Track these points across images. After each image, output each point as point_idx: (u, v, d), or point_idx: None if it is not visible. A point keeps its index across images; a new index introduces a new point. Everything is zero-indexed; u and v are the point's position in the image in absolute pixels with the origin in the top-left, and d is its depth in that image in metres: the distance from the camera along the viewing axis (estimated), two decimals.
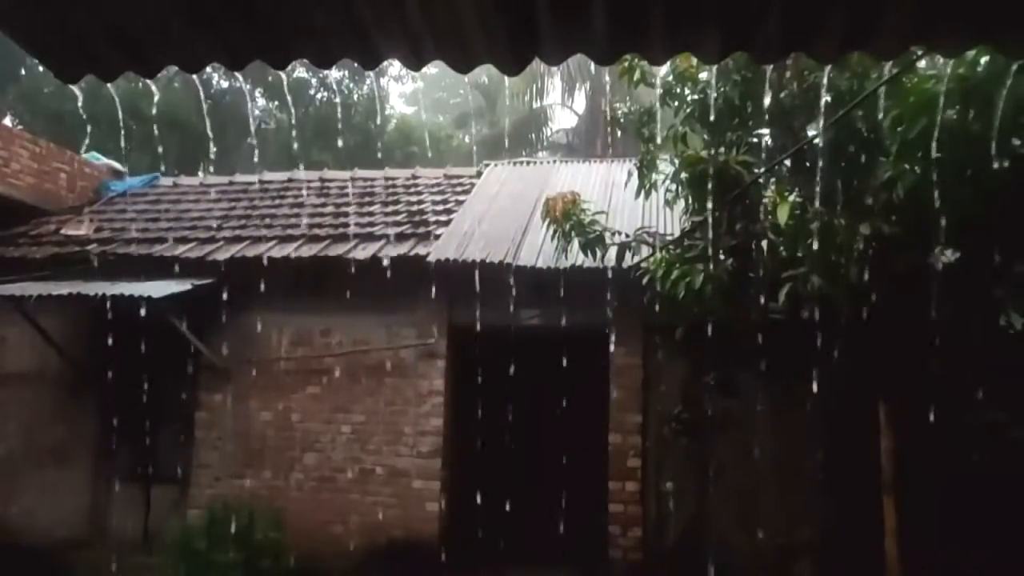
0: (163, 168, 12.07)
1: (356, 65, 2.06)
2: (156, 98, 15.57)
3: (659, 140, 5.79)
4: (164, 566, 6.65)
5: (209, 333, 7.56)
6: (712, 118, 5.20)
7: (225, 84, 20.26)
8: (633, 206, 7.06)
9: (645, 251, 5.81)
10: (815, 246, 4.45)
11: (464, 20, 1.84)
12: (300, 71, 19.64)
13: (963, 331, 4.45)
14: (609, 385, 7.14)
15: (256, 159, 18.13)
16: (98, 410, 7.87)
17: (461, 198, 8.84)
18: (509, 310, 7.03)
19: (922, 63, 4.21)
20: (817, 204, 4.63)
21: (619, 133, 6.35)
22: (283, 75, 16.77)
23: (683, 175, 5.33)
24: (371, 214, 8.58)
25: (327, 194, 9.50)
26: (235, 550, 6.50)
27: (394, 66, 20.42)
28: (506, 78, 2.31)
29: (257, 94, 20.76)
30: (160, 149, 15.92)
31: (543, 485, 7.97)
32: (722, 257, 5.18)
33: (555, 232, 5.80)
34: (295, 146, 18.82)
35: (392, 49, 1.98)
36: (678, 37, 1.93)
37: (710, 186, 4.99)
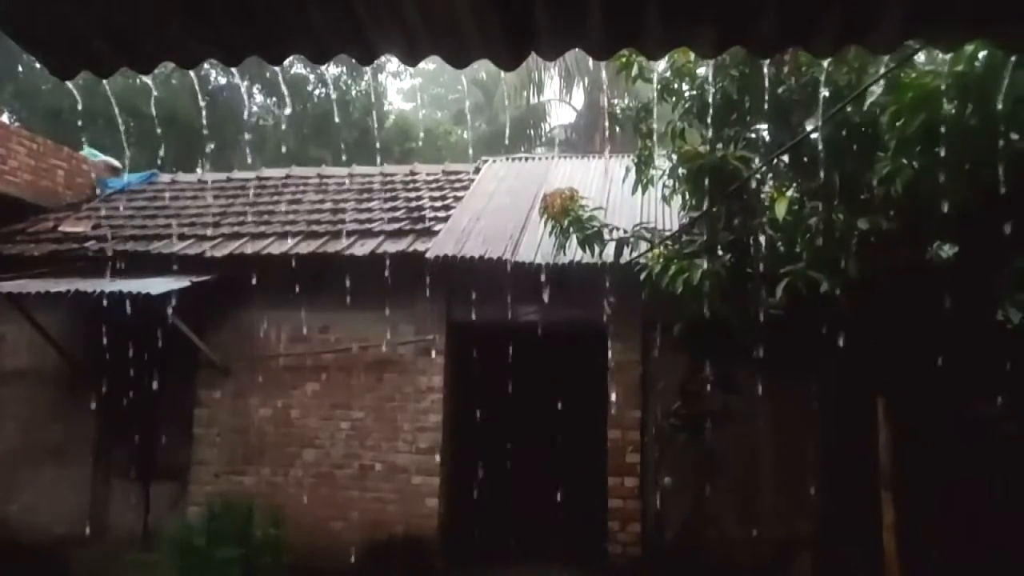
0: (161, 165, 12.03)
1: (353, 61, 2.06)
2: (153, 95, 15.54)
3: (657, 136, 5.78)
4: (164, 563, 6.64)
5: (208, 330, 7.56)
6: (710, 113, 5.20)
7: (223, 80, 20.21)
8: (631, 202, 7.06)
9: (643, 247, 5.81)
10: (813, 241, 4.46)
11: (459, 15, 1.84)
12: (298, 67, 19.59)
13: (961, 326, 4.45)
14: (608, 381, 7.15)
15: (254, 155, 18.13)
16: (97, 407, 7.86)
17: (459, 194, 8.83)
18: (508, 306, 7.03)
19: (920, 58, 4.21)
20: (815, 199, 4.64)
21: (617, 129, 6.33)
22: (280, 71, 16.74)
23: (681, 170, 5.34)
24: (369, 210, 8.57)
25: (325, 190, 9.48)
26: (234, 547, 6.49)
27: (392, 62, 20.40)
28: (504, 74, 2.30)
29: (255, 90, 20.73)
30: (158, 146, 15.88)
31: (542, 481, 7.98)
32: (720, 252, 5.19)
33: (553, 228, 5.80)
34: (293, 142, 18.79)
35: (388, 45, 1.98)
36: (675, 31, 1.92)
37: (708, 181, 5.00)
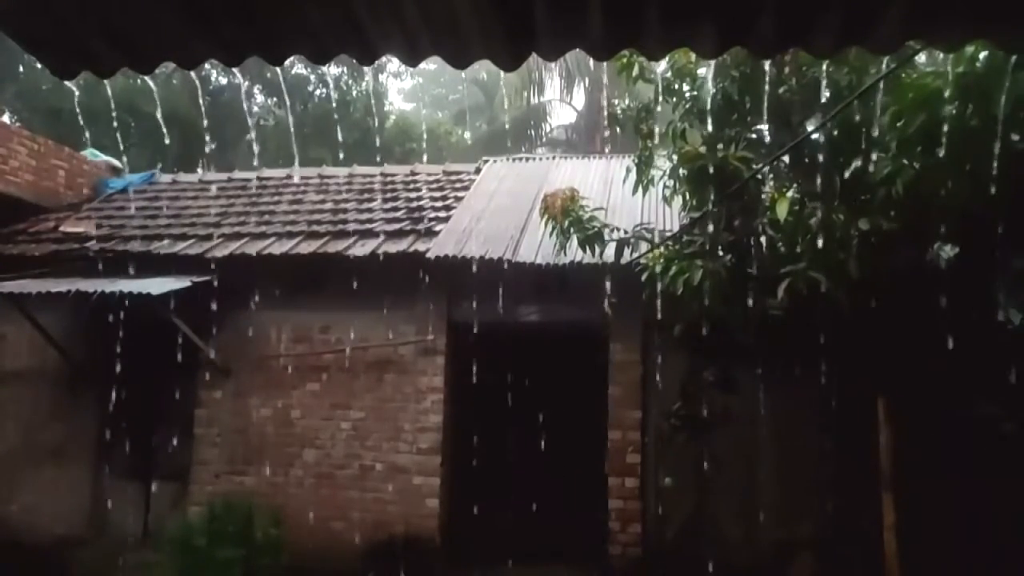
0: (162, 165, 12.03)
1: (354, 61, 2.06)
2: (155, 95, 15.55)
3: (658, 136, 5.78)
4: (164, 563, 6.65)
5: (208, 330, 7.56)
6: (710, 114, 5.20)
7: (224, 81, 20.23)
8: (632, 202, 7.06)
9: (644, 247, 5.80)
10: (814, 242, 4.46)
11: (460, 15, 1.84)
12: (298, 67, 19.59)
13: (961, 326, 4.45)
14: (608, 381, 7.15)
15: (255, 155, 18.10)
16: (97, 408, 7.86)
17: (460, 194, 8.83)
18: (508, 306, 7.03)
19: (921, 58, 4.21)
20: (816, 200, 4.63)
21: (618, 129, 6.32)
22: (280, 71, 16.74)
23: (682, 171, 5.33)
24: (370, 211, 8.57)
25: (326, 191, 9.49)
26: (235, 547, 6.50)
27: (392, 62, 20.39)
28: (504, 74, 2.30)
29: (256, 91, 20.74)
30: (158, 146, 15.89)
31: (542, 481, 7.99)
32: (721, 253, 5.18)
33: (554, 228, 5.79)
34: (294, 143, 18.78)
35: (388, 45, 1.98)
36: (675, 32, 1.93)
37: (709, 182, 4.99)
